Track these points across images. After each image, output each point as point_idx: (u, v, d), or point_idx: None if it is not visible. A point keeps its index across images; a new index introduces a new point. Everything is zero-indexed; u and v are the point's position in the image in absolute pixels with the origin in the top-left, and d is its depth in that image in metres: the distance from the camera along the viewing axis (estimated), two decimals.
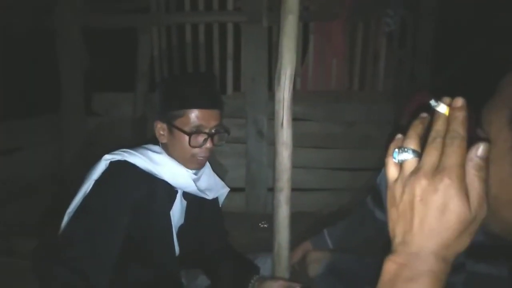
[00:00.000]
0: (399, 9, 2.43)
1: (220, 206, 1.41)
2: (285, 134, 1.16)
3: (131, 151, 1.13)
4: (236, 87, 2.71)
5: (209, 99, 1.14)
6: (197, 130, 1.11)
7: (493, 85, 0.52)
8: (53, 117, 2.73)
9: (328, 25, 2.58)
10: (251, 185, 2.69)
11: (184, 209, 1.27)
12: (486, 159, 0.42)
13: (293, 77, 1.14)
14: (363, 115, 2.64)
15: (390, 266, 0.43)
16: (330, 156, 2.72)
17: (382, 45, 2.66)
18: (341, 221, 1.56)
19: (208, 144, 1.13)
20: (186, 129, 1.11)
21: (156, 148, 1.19)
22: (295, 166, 2.46)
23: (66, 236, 1.08)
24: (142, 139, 1.26)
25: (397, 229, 0.44)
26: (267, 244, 1.33)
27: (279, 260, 1.26)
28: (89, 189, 1.10)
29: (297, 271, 1.52)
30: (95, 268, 1.02)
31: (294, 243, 1.57)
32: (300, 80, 2.68)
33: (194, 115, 1.11)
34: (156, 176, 1.14)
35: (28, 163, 2.48)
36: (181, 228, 1.27)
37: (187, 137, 1.11)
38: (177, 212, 1.23)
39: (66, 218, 1.11)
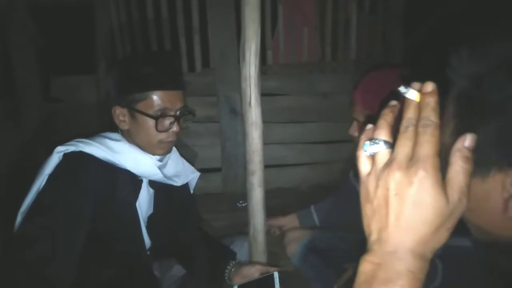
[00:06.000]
0: None
1: (192, 191, 1.35)
2: (254, 114, 1.09)
3: (86, 140, 1.05)
4: (205, 63, 2.58)
5: (172, 80, 1.08)
6: (163, 113, 1.05)
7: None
8: (9, 104, 2.53)
9: None
10: (227, 164, 2.62)
11: (152, 198, 1.19)
12: (472, 151, 0.39)
13: (259, 52, 1.06)
14: (336, 86, 2.59)
15: (365, 267, 0.40)
16: (306, 130, 2.67)
17: (353, 11, 2.57)
18: (329, 197, 1.54)
19: (175, 128, 1.08)
20: (151, 112, 1.04)
21: (115, 135, 1.10)
22: (271, 142, 2.42)
23: (21, 237, 0.98)
24: (109, 123, 1.17)
25: (372, 226, 0.41)
26: (246, 224, 1.28)
27: (255, 244, 1.22)
28: (42, 185, 1.00)
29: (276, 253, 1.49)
30: (56, 271, 0.94)
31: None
32: (272, 53, 2.58)
33: (158, 97, 1.04)
34: (117, 165, 1.06)
35: None
36: (150, 218, 1.20)
37: (152, 122, 1.04)
38: (144, 202, 1.16)
39: (19, 218, 1.01)
